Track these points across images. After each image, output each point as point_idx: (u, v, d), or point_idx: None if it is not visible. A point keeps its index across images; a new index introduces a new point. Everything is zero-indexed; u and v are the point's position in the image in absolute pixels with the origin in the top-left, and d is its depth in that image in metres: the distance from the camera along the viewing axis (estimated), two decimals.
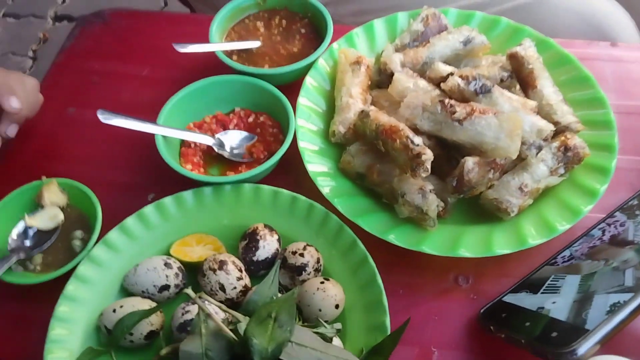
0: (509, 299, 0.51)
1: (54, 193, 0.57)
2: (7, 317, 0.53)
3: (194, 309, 0.48)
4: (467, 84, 0.55)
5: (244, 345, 0.42)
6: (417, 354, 0.51)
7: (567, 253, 0.53)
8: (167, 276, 0.51)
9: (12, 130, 0.60)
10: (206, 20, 0.69)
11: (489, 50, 0.65)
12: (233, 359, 0.43)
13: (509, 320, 0.49)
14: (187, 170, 0.58)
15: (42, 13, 1.86)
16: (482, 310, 0.52)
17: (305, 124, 0.60)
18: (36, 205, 0.57)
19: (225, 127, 0.63)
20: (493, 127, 0.52)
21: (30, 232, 0.55)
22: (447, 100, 0.54)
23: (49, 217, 0.56)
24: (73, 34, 0.75)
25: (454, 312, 0.53)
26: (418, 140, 0.52)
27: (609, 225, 0.54)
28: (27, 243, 0.54)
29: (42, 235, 0.55)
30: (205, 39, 0.66)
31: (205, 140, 0.60)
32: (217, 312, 0.45)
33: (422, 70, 0.61)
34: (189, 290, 0.43)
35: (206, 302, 0.45)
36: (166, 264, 0.51)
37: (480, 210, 0.56)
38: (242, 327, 0.42)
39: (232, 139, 0.62)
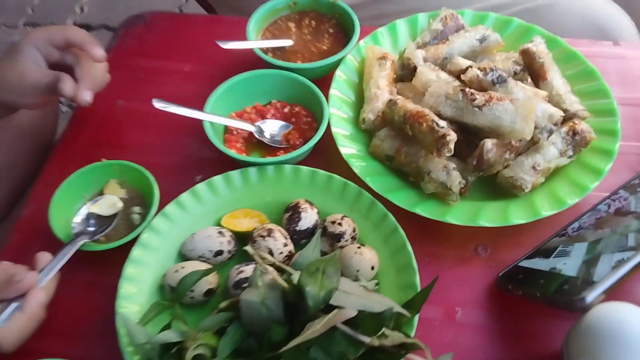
0: (525, 263, 0.57)
1: (113, 188, 0.63)
2: (79, 282, 0.59)
3: (246, 270, 0.54)
4: (485, 75, 0.62)
5: (297, 293, 0.48)
6: (443, 312, 0.57)
7: (576, 225, 0.59)
8: (220, 243, 0.57)
9: (88, 95, 0.62)
10: (239, 21, 0.76)
11: (502, 48, 0.71)
12: (287, 306, 0.49)
13: (525, 280, 0.55)
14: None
15: (62, 22, 1.94)
16: (500, 274, 0.58)
17: (337, 112, 0.67)
18: (100, 190, 0.63)
19: (263, 117, 0.69)
20: (509, 112, 0.58)
21: (92, 218, 0.61)
22: (467, 89, 0.60)
23: (108, 205, 0.62)
24: (118, 34, 0.82)
25: (475, 277, 0.59)
26: (442, 123, 0.58)
27: (614, 200, 0.60)
28: (90, 228, 0.60)
29: (103, 220, 0.61)
30: (239, 39, 0.73)
31: (248, 127, 0.67)
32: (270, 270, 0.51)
33: (442, 64, 0.68)
34: (249, 247, 0.50)
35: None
36: (220, 232, 0.57)
37: (497, 188, 0.63)
38: (294, 279, 0.49)
39: (270, 127, 0.68)
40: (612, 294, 0.48)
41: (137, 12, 0.84)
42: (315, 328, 0.45)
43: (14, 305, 0.50)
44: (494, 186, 0.63)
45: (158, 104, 0.63)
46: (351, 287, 0.49)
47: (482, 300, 0.58)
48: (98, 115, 0.73)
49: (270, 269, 0.50)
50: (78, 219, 0.60)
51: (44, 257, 0.54)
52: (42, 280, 0.52)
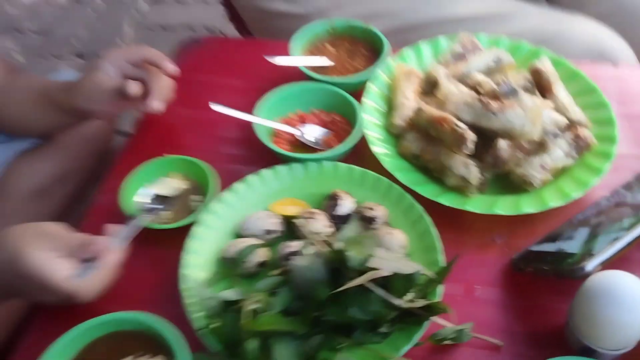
0: (535, 247, 0.66)
1: (176, 179, 0.74)
2: (145, 255, 0.68)
3: (293, 245, 0.63)
4: (499, 87, 0.72)
5: (339, 260, 0.57)
6: (463, 289, 0.65)
7: (580, 216, 0.68)
8: (271, 223, 0.66)
9: (159, 104, 0.73)
10: (279, 44, 0.87)
11: (514, 68, 0.81)
12: (330, 270, 0.58)
13: (535, 259, 0.63)
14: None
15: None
16: (514, 257, 0.66)
17: (370, 119, 0.77)
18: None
19: (304, 123, 0.79)
20: (520, 116, 0.68)
21: (156, 198, 0.71)
22: (484, 97, 0.70)
23: (170, 187, 0.72)
24: (175, 54, 0.94)
25: (491, 261, 0.68)
26: (462, 125, 0.68)
27: (613, 197, 0.69)
28: (155, 205, 0.70)
29: (165, 200, 0.71)
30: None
31: (293, 130, 0.77)
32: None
33: (461, 79, 0.78)
34: (299, 220, 0.59)
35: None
36: (270, 215, 0.67)
37: (510, 185, 0.72)
38: (337, 247, 0.58)
39: (311, 132, 0.78)
40: (608, 265, 0.57)
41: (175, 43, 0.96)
42: (354, 283, 0.54)
43: (90, 264, 0.59)
44: (508, 183, 0.72)
45: (215, 107, 0.73)
46: (385, 254, 0.58)
47: (498, 279, 0.66)
48: (163, 121, 0.84)
49: (317, 239, 0.59)
50: (144, 197, 0.70)
51: (113, 227, 0.63)
52: (113, 244, 0.61)
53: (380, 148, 0.73)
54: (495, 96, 0.72)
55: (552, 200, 0.68)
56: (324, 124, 0.79)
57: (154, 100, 0.73)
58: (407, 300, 0.58)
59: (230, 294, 0.58)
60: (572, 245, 0.61)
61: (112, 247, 0.61)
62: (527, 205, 0.68)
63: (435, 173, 0.72)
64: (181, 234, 0.66)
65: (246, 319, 0.55)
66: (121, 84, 0.74)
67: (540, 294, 0.64)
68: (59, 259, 0.57)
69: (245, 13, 1.18)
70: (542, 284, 0.64)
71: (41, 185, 0.93)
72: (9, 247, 0.58)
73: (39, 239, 0.58)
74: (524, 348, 0.60)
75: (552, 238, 0.66)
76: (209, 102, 0.74)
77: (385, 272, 0.55)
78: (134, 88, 0.73)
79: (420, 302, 0.58)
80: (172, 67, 0.75)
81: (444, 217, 0.68)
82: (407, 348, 0.57)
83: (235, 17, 1.23)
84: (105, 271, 0.60)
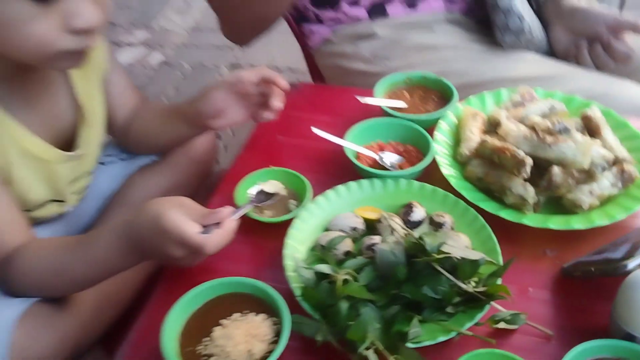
0: (584, 259, 0.76)
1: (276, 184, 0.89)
2: (251, 242, 0.82)
3: (375, 238, 0.76)
4: (554, 126, 0.85)
5: (417, 246, 0.69)
6: (517, 289, 0.75)
7: (622, 238, 0.78)
8: (355, 222, 0.79)
9: (272, 115, 0.89)
10: (360, 91, 1.04)
11: (567, 115, 0.94)
12: (408, 255, 0.70)
13: (584, 265, 0.74)
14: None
15: None
16: (564, 265, 0.77)
17: (440, 148, 0.91)
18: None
19: (383, 150, 0.94)
20: (572, 148, 0.80)
21: (261, 194, 0.86)
22: (540, 132, 0.83)
23: (273, 186, 0.87)
24: None
25: (543, 268, 0.78)
26: (521, 152, 0.81)
27: None
28: (260, 198, 0.85)
29: (269, 196, 0.86)
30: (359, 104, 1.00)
31: (374, 155, 0.92)
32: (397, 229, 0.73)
33: (520, 121, 0.91)
34: (385, 213, 0.72)
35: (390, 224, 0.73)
36: (355, 215, 0.80)
37: (561, 208, 0.83)
38: (415, 235, 0.70)
39: (388, 158, 0.93)
40: None
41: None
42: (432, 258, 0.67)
43: (213, 228, 0.71)
44: (559, 207, 0.83)
45: (315, 130, 0.89)
46: (455, 243, 0.70)
47: (549, 282, 0.76)
48: (263, 145, 1.00)
49: (397, 228, 0.72)
50: (252, 191, 0.85)
51: (229, 207, 0.75)
52: (231, 215, 0.74)
53: (449, 171, 0.87)
54: (550, 132, 0.85)
55: (599, 219, 0.78)
56: (399, 153, 0.94)
57: (275, 102, 0.89)
58: (472, 285, 0.69)
59: (324, 267, 0.71)
60: (616, 254, 0.72)
61: (230, 217, 0.74)
62: (576, 222, 0.79)
63: (496, 193, 0.84)
64: (281, 228, 0.80)
65: (339, 286, 0.68)
66: (244, 89, 0.90)
67: (586, 295, 0.74)
68: (191, 220, 0.72)
69: (326, 70, 1.37)
70: (589, 286, 0.74)
71: (153, 196, 1.09)
72: (152, 211, 0.72)
73: (176, 206, 0.72)
74: (571, 338, 0.69)
75: (599, 252, 0.76)
76: (311, 127, 0.91)
77: (455, 255, 0.67)
78: (253, 90, 0.90)
79: (483, 288, 0.69)
80: (285, 83, 0.90)
81: (502, 231, 0.80)
82: (469, 325, 0.68)
83: (313, 70, 1.42)
84: (225, 232, 0.72)
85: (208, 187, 1.06)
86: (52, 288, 0.80)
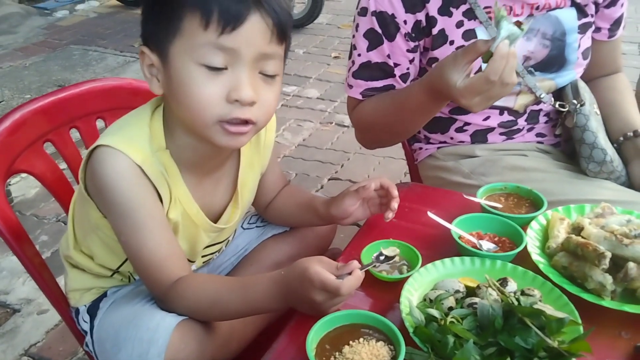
0: None
1: (393, 250, 1.10)
2: (369, 295, 1.02)
3: (475, 299, 0.94)
4: (630, 231, 1.02)
5: (510, 305, 0.87)
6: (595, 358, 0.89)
7: None
8: (459, 286, 0.98)
9: (392, 215, 1.15)
10: (458, 194, 1.26)
11: None
12: (503, 312, 0.87)
13: None
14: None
15: None
16: (637, 345, 0.90)
17: (531, 242, 1.09)
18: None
19: (481, 239, 1.14)
20: None
21: (382, 257, 1.07)
22: (618, 235, 1.01)
23: (392, 251, 1.08)
24: None
25: (619, 348, 0.91)
26: (601, 247, 0.98)
27: None
28: (380, 257, 1.06)
29: (387, 259, 1.06)
30: (462, 204, 1.22)
31: (474, 240, 1.11)
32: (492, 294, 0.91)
33: (601, 228, 1.09)
34: (488, 277, 0.91)
35: (488, 289, 0.91)
36: (459, 281, 0.99)
37: (636, 300, 0.98)
38: (511, 297, 0.88)
39: (485, 245, 1.12)
40: None
41: None
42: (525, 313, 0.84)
43: (346, 276, 0.91)
44: (634, 299, 0.98)
45: (430, 214, 1.12)
46: (543, 306, 0.87)
47: (623, 357, 0.90)
48: (379, 227, 1.23)
49: (495, 291, 0.90)
50: (375, 255, 1.06)
51: (354, 262, 0.95)
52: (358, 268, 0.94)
53: (538, 258, 1.05)
54: (627, 236, 1.02)
55: None
56: (495, 243, 1.13)
57: (394, 204, 1.15)
58: (557, 343, 0.85)
59: (434, 311, 0.89)
60: None
61: (358, 269, 0.94)
62: None
63: (578, 280, 1.00)
64: (396, 286, 1.00)
65: (447, 325, 0.85)
66: (360, 190, 1.16)
67: None
68: (328, 271, 0.92)
69: (427, 180, 1.62)
70: None
71: (279, 260, 1.33)
72: (300, 266, 0.92)
73: (317, 262, 0.93)
74: None
75: None
76: (427, 212, 1.14)
77: (545, 312, 0.84)
78: (371, 194, 1.16)
79: (566, 344, 0.84)
80: (397, 193, 1.16)
81: (583, 313, 0.94)
82: None
83: (415, 178, 1.67)
84: (356, 279, 0.92)
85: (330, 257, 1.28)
86: (202, 313, 1.02)
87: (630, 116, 1.45)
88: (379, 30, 1.35)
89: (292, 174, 2.87)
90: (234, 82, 0.91)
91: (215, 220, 1.17)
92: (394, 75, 1.40)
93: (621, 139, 1.43)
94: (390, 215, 1.16)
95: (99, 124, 1.35)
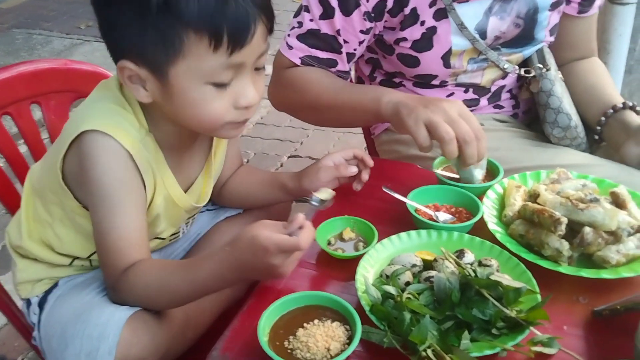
0: (611, 305, 0.89)
1: (348, 232, 1.07)
2: (324, 275, 0.98)
3: (432, 273, 0.91)
4: (586, 196, 1.01)
5: (467, 277, 0.84)
6: (554, 327, 0.87)
7: None
8: (415, 259, 0.95)
9: (366, 179, 1.13)
10: (419, 169, 1.23)
11: (597, 192, 1.10)
12: (460, 285, 0.85)
13: (612, 306, 0.87)
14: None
15: None
16: (594, 309, 0.89)
17: (488, 211, 1.07)
18: (340, 233, 1.06)
19: (438, 210, 1.11)
20: (601, 213, 0.96)
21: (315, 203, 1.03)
22: (573, 200, 0.99)
23: (326, 193, 1.04)
24: None
25: (576, 312, 0.91)
26: (558, 213, 0.97)
27: None
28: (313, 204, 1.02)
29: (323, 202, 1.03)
30: (418, 176, 1.19)
31: (430, 212, 1.09)
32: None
33: (557, 194, 1.08)
34: (444, 250, 0.88)
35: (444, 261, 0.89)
36: (415, 255, 0.96)
37: (592, 264, 0.97)
38: (467, 268, 0.85)
39: (442, 216, 1.09)
40: None
41: None
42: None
43: (298, 231, 0.84)
44: (590, 263, 0.97)
45: (385, 189, 1.08)
46: (500, 276, 0.85)
47: (581, 322, 0.89)
48: (338, 203, 1.19)
49: (452, 263, 0.88)
50: (332, 239, 1.03)
51: (300, 215, 0.87)
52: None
53: (495, 227, 1.03)
54: (582, 201, 1.01)
55: (625, 272, 0.92)
56: (451, 214, 1.11)
57: (365, 175, 1.13)
58: (514, 312, 0.83)
59: (390, 288, 0.86)
60: None
61: (307, 220, 0.86)
62: (605, 273, 0.92)
63: (535, 247, 0.99)
64: (352, 263, 0.96)
65: (403, 301, 0.83)
66: (340, 167, 1.12)
67: (614, 329, 0.86)
68: (277, 232, 0.85)
69: (384, 155, 1.58)
70: (616, 323, 0.86)
71: None
72: (247, 236, 0.85)
73: (262, 227, 0.85)
74: None
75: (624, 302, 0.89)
76: (382, 187, 1.10)
77: (501, 282, 0.82)
78: (351, 169, 1.12)
79: (524, 313, 0.83)
80: (371, 161, 1.13)
81: (540, 280, 0.93)
82: (511, 344, 0.81)
83: (372, 152, 1.64)
84: (310, 230, 0.85)
85: None
86: (152, 300, 0.97)
87: (612, 97, 1.36)
88: (335, 2, 1.29)
89: (251, 153, 2.81)
90: (240, 90, 0.93)
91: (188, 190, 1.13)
92: (341, 52, 1.33)
93: (603, 118, 1.35)
94: (359, 186, 1.12)
95: (34, 109, 1.26)
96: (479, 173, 1.14)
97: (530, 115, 1.54)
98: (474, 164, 1.09)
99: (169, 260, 1.11)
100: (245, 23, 0.86)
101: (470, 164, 1.08)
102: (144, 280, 0.95)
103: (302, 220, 0.85)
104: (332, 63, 1.35)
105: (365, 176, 1.13)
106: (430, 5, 1.29)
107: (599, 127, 1.36)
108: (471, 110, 1.45)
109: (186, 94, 0.91)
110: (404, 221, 1.08)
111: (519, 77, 1.44)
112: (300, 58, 1.36)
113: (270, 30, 0.94)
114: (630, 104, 1.32)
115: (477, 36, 1.32)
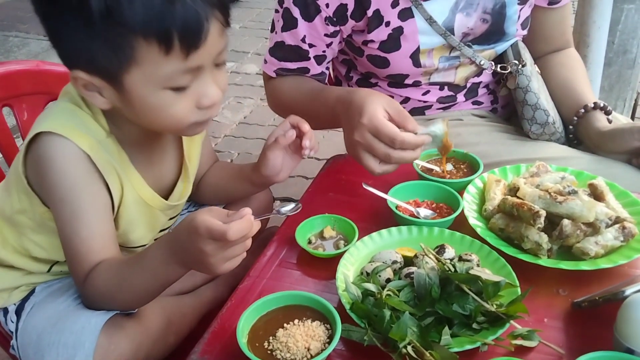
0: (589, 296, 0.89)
1: (329, 230, 1.06)
2: (305, 274, 0.98)
3: (412, 269, 0.91)
4: (564, 189, 1.01)
5: (446, 272, 0.84)
6: (534, 320, 0.88)
7: (623, 282, 0.91)
8: (395, 256, 0.94)
9: (314, 145, 1.08)
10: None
11: (576, 184, 1.11)
12: (441, 279, 0.84)
13: (590, 297, 0.87)
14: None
15: None
16: (574, 301, 0.90)
17: (468, 206, 1.07)
18: (321, 231, 1.06)
19: (419, 206, 1.11)
20: (579, 205, 0.96)
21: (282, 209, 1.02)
22: (552, 193, 1.00)
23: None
24: (329, 162, 1.31)
25: (556, 304, 0.91)
26: (536, 206, 0.97)
27: None
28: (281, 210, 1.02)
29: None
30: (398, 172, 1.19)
31: (411, 208, 1.09)
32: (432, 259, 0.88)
33: (535, 187, 1.08)
34: (424, 245, 0.88)
35: (425, 257, 0.89)
36: (395, 252, 0.96)
37: (571, 256, 0.97)
38: (447, 263, 0.85)
39: (423, 212, 1.09)
40: None
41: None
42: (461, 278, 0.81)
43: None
44: (570, 255, 0.97)
45: (365, 186, 1.08)
46: (480, 270, 0.85)
47: (561, 313, 0.89)
48: (318, 200, 1.18)
49: (432, 259, 0.88)
50: (313, 238, 1.02)
51: (246, 208, 0.79)
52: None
53: (475, 222, 1.03)
54: (560, 193, 1.01)
55: (603, 263, 0.92)
56: (432, 209, 1.10)
57: (306, 141, 1.07)
58: (494, 306, 0.83)
59: (370, 285, 0.86)
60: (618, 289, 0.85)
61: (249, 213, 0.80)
62: (584, 264, 0.93)
63: (515, 241, 0.99)
64: (333, 262, 0.95)
65: (383, 299, 0.82)
66: (279, 138, 1.08)
67: (593, 321, 0.86)
68: (216, 218, 0.79)
69: None
70: (595, 314, 0.86)
71: None
72: (186, 219, 0.80)
73: (205, 211, 0.79)
74: (580, 356, 0.81)
75: (603, 293, 0.89)
76: (362, 183, 1.09)
77: (481, 277, 0.82)
78: (288, 134, 1.08)
79: (504, 307, 0.83)
80: (307, 127, 1.07)
81: (520, 273, 0.93)
82: (491, 338, 0.81)
83: None
84: (245, 221, 0.77)
85: (265, 238, 1.23)
86: (116, 299, 0.95)
87: (584, 95, 1.37)
88: (297, 11, 1.28)
89: (234, 153, 2.79)
90: (201, 90, 0.90)
91: (167, 196, 1.11)
92: (309, 59, 1.35)
93: (575, 118, 1.34)
94: (306, 152, 1.08)
95: (6, 112, 1.24)
96: (437, 128, 1.13)
97: (509, 109, 1.54)
98: (411, 161, 1.10)
99: (127, 256, 1.09)
100: (196, 24, 0.82)
101: (409, 162, 1.08)
102: (104, 278, 0.93)
103: (245, 213, 0.79)
104: (304, 70, 1.38)
105: (305, 142, 1.07)
106: (393, 6, 1.28)
107: (571, 127, 1.37)
108: (450, 107, 1.46)
109: (145, 100, 0.88)
110: (385, 218, 1.08)
111: (495, 73, 1.44)
112: (274, 71, 1.40)
113: (226, 24, 0.89)
114: (601, 104, 1.33)
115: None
